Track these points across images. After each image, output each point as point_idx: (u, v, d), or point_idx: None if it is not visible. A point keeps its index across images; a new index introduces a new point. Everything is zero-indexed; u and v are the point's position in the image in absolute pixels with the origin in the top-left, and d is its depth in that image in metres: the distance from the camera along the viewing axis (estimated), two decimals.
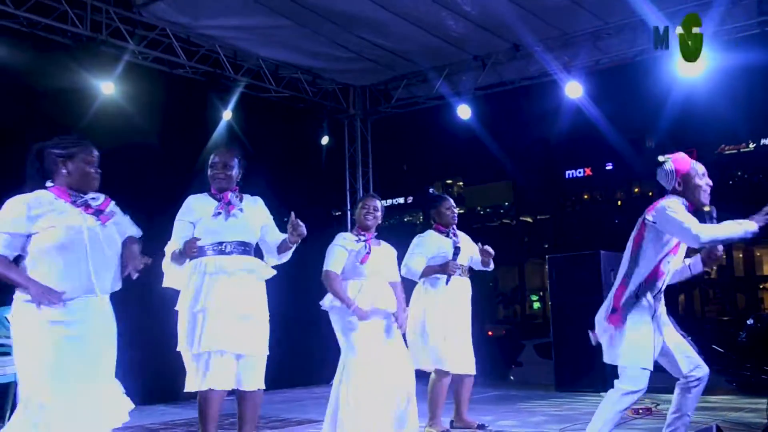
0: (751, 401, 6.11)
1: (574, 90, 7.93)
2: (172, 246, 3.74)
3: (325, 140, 9.32)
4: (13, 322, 2.94)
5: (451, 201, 5.23)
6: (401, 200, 39.44)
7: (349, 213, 9.55)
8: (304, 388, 7.83)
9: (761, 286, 31.97)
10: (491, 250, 4.95)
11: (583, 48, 7.80)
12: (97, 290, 2.98)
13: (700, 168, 3.61)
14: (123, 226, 3.18)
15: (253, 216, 3.90)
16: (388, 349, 4.30)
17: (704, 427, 2.76)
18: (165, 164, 6.89)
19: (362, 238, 4.41)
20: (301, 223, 3.78)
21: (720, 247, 4.01)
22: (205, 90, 7.89)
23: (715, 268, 5.00)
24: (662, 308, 3.64)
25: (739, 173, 32.28)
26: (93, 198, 3.08)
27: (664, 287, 3.63)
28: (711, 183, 3.63)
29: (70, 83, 6.75)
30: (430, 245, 5.00)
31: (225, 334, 3.64)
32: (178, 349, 3.75)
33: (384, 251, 4.50)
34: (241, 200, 3.88)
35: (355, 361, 4.21)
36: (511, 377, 8.99)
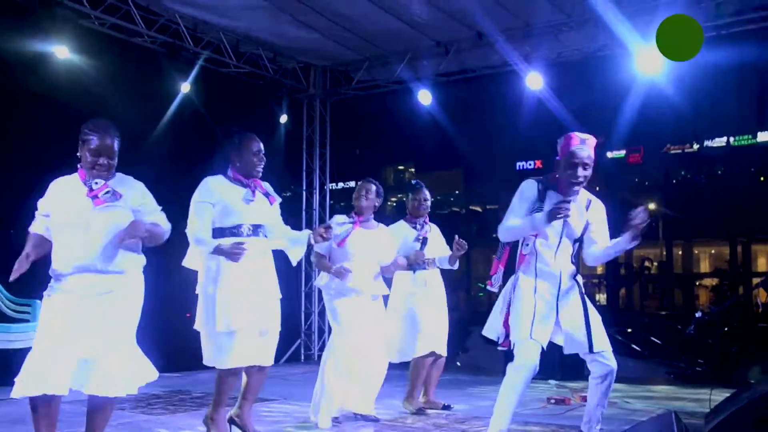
0: (692, 391, 6.32)
1: (534, 81, 8.00)
2: (197, 228, 3.82)
3: (283, 119, 9.21)
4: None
5: (425, 193, 5.23)
6: (352, 184, 39.41)
7: (304, 194, 9.50)
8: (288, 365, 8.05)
9: (698, 283, 32.97)
10: (464, 244, 4.94)
11: (545, 40, 7.87)
12: (94, 269, 3.20)
13: (584, 152, 3.59)
14: (121, 216, 3.29)
15: (266, 200, 4.05)
16: (370, 334, 4.56)
17: (663, 413, 2.83)
18: (122, 132, 6.72)
19: (349, 221, 4.55)
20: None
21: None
22: (164, 61, 7.70)
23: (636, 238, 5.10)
24: (550, 288, 3.66)
25: (683, 173, 33.14)
26: (95, 182, 3.29)
27: (556, 267, 3.66)
28: (587, 175, 3.61)
29: (22, 45, 6.52)
30: (398, 237, 5.08)
31: (246, 313, 3.78)
32: (195, 328, 3.89)
33: (375, 234, 4.67)
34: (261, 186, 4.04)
35: (341, 340, 4.52)
36: (458, 363, 9.07)
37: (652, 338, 12.51)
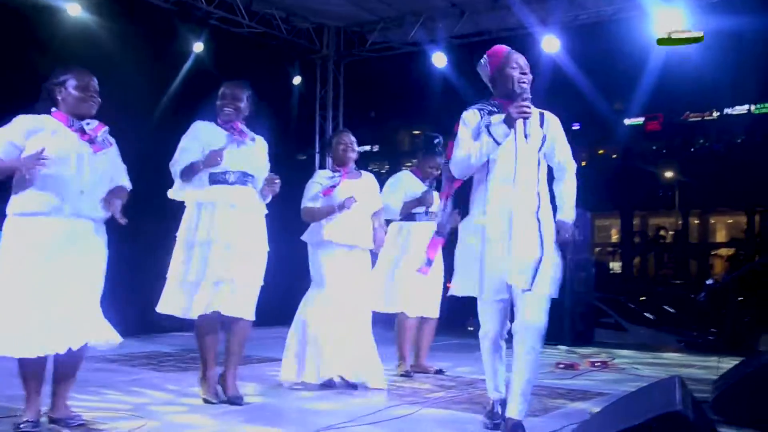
0: (701, 359, 6.31)
1: (550, 45, 7.88)
2: (180, 161, 3.75)
3: (296, 80, 9.16)
4: (4, 235, 3.12)
5: (438, 160, 5.03)
6: (367, 148, 39.27)
7: (317, 156, 9.47)
8: (266, 328, 7.92)
9: (713, 253, 32.82)
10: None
11: (562, 3, 7.73)
12: (77, 213, 3.14)
13: (519, 59, 3.26)
14: (116, 170, 3.34)
15: (259, 150, 3.94)
16: (354, 289, 4.42)
17: (665, 378, 2.81)
18: (134, 92, 6.71)
19: (337, 174, 4.45)
20: (277, 181, 3.82)
21: None
22: (176, 21, 7.64)
23: None
24: (502, 229, 3.16)
25: (701, 141, 32.77)
26: (87, 123, 3.23)
27: (511, 202, 3.17)
28: (530, 77, 3.25)
29: (36, 2, 6.50)
30: (403, 186, 5.02)
31: (219, 263, 3.71)
32: (167, 276, 3.80)
33: (362, 183, 4.54)
34: (249, 133, 3.91)
35: (323, 294, 4.38)
36: (470, 327, 9.11)
37: (665, 307, 12.52)
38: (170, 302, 3.83)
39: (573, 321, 7.31)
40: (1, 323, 3.03)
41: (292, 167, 9.45)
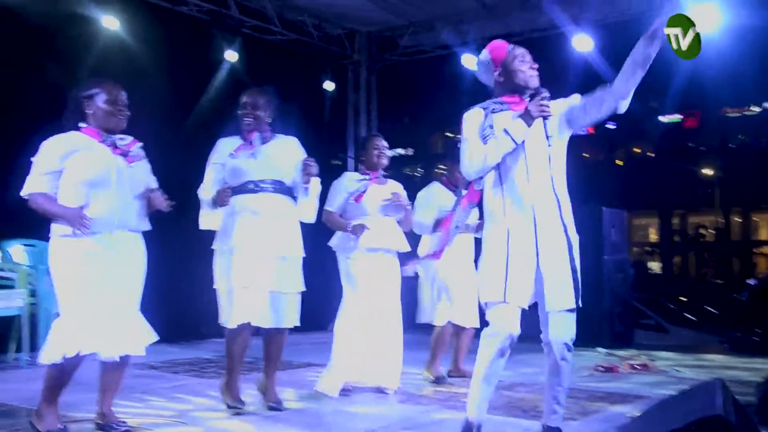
0: (745, 360, 6.18)
1: (583, 43, 7.81)
2: (205, 190, 3.78)
3: (328, 86, 9.20)
4: (51, 254, 3.20)
5: None
6: (401, 151, 39.25)
7: (350, 161, 9.50)
8: (302, 333, 7.98)
9: (755, 251, 32.11)
10: None
11: (594, 1, 7.65)
12: (123, 226, 3.22)
13: (526, 54, 3.07)
14: (144, 173, 3.38)
15: (284, 154, 3.86)
16: (386, 297, 4.43)
17: (707, 380, 2.76)
18: (167, 102, 6.80)
19: (366, 177, 4.45)
20: (312, 163, 3.75)
21: None
22: (209, 29, 7.74)
23: None
24: (525, 230, 2.99)
25: (741, 136, 32.10)
26: (120, 138, 3.27)
27: (530, 200, 3.00)
28: (537, 66, 3.07)
29: (71, 15, 6.63)
30: (435, 200, 4.97)
31: (254, 271, 3.69)
32: (214, 287, 3.82)
33: (390, 188, 4.51)
34: (267, 140, 3.85)
35: (353, 299, 4.39)
36: None
37: (707, 307, 12.28)
38: (223, 312, 3.82)
39: (612, 323, 7.21)
40: (52, 335, 3.13)
41: (326, 173, 9.48)
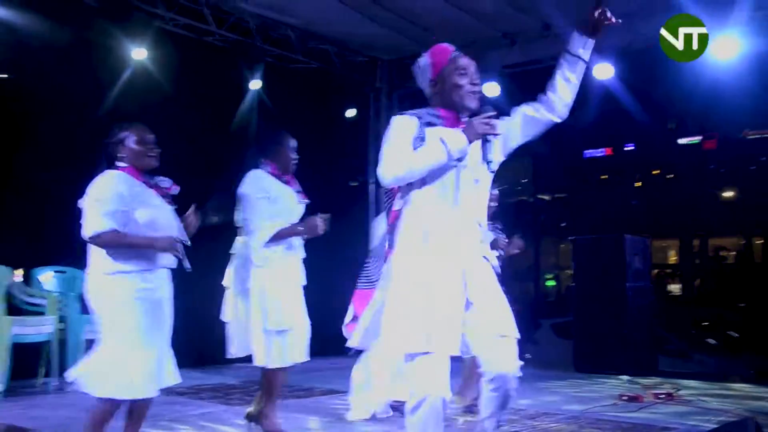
0: None
1: (603, 72, 7.85)
2: (268, 225, 3.89)
3: (350, 113, 9.33)
4: (100, 293, 3.22)
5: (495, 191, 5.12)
6: None
7: (371, 186, 9.56)
8: (323, 358, 8.00)
9: None
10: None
11: (616, 30, 7.66)
12: (165, 264, 3.34)
13: (470, 66, 2.72)
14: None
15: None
16: None
17: (740, 418, 2.74)
18: (194, 132, 6.92)
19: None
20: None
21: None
22: (233, 58, 7.87)
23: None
24: (451, 262, 2.58)
25: (763, 159, 31.84)
26: (161, 180, 3.39)
27: (458, 228, 2.63)
28: (479, 85, 2.72)
29: (102, 47, 6.79)
30: None
31: (292, 311, 3.95)
32: (224, 319, 4.04)
33: None
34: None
35: None
36: (528, 355, 9.04)
37: (730, 332, 12.13)
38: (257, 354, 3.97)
39: (635, 350, 7.18)
40: (110, 369, 3.18)
41: (345, 195, 9.57)
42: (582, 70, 2.78)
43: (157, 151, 3.37)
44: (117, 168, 3.32)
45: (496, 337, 2.54)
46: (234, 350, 4.05)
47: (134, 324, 3.20)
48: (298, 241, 4.04)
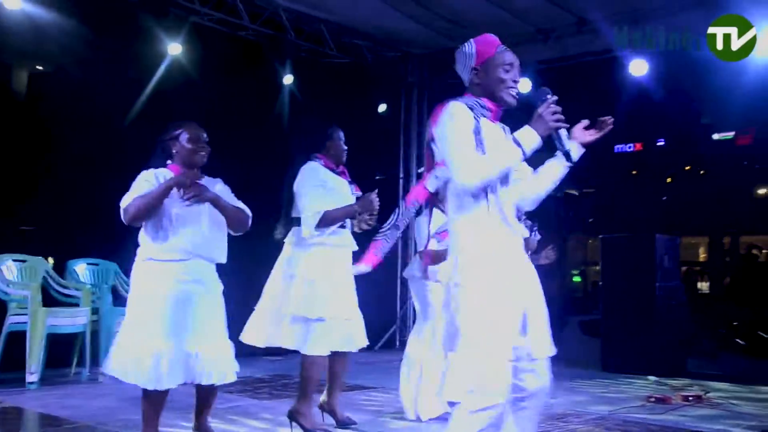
0: None
1: (639, 68, 7.79)
2: (325, 206, 3.92)
3: (382, 107, 9.36)
4: (136, 277, 3.40)
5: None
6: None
7: (401, 182, 9.58)
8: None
9: None
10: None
11: (653, 25, 7.59)
12: (205, 255, 3.43)
13: (509, 57, 2.62)
14: (228, 195, 3.57)
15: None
16: None
17: None
18: (227, 126, 6.99)
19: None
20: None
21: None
22: (266, 53, 7.93)
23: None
24: (512, 263, 2.54)
25: None
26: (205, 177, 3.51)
27: (514, 230, 2.57)
28: (519, 82, 2.63)
29: (138, 42, 6.88)
30: None
31: (338, 300, 4.00)
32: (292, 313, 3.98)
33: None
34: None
35: (431, 327, 4.50)
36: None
37: (761, 333, 11.97)
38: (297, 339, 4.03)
39: (663, 350, 7.13)
40: (136, 356, 3.27)
41: (374, 188, 9.59)
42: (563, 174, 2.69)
43: (207, 150, 3.48)
44: (166, 166, 3.45)
45: (539, 356, 2.52)
46: (247, 337, 4.05)
47: (156, 312, 3.29)
48: (348, 236, 4.09)
